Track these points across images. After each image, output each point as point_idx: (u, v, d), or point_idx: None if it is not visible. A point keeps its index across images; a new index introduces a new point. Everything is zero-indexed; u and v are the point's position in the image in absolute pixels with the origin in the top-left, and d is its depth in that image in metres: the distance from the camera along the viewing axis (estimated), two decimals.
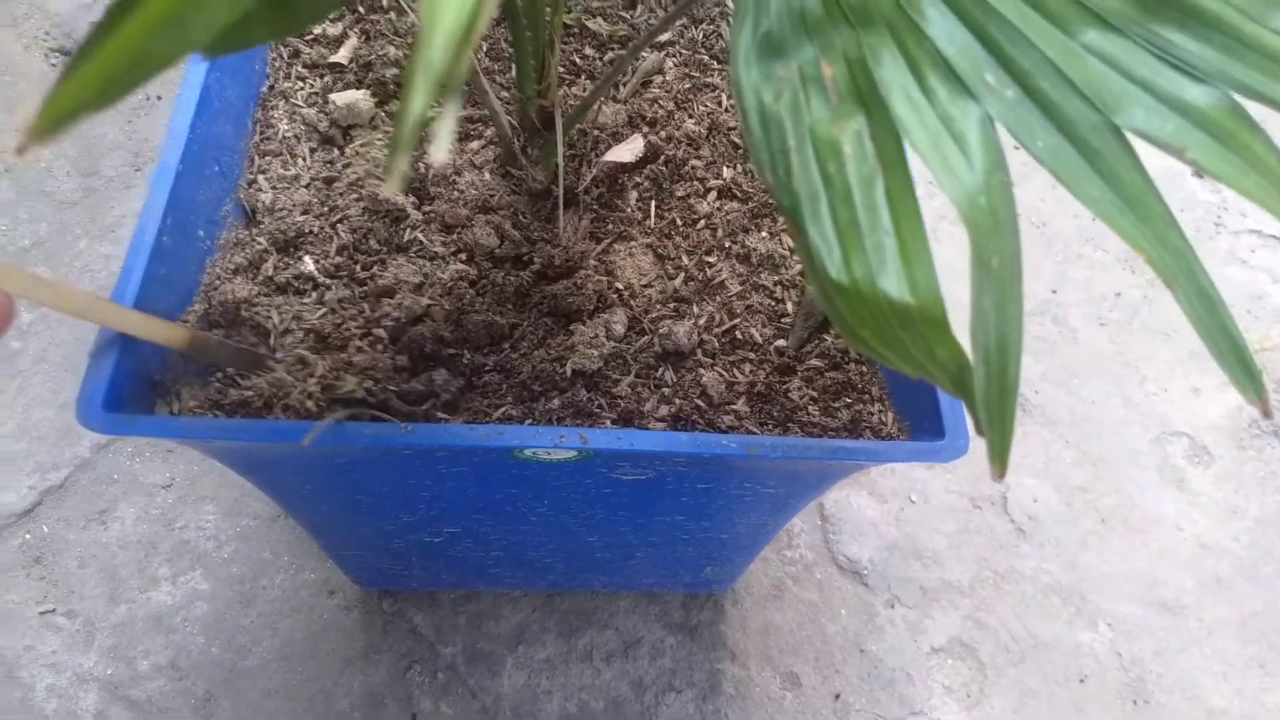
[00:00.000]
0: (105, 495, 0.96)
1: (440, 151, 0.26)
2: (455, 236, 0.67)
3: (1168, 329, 1.17)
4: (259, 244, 0.65)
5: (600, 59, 0.79)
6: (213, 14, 0.24)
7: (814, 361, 0.65)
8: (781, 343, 0.66)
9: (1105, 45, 0.35)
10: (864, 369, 0.65)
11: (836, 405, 0.63)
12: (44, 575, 0.92)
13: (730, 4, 0.82)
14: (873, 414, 0.63)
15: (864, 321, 0.36)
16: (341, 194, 0.67)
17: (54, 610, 0.91)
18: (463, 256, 0.66)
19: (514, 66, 0.66)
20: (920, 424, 0.60)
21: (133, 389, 0.56)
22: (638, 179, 0.73)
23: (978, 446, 1.12)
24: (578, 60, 0.78)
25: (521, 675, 0.88)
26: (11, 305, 0.45)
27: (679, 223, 0.71)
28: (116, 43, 0.24)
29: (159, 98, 1.21)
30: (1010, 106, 0.35)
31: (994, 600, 0.98)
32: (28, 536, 0.94)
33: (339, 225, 0.66)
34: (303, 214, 0.66)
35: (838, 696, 0.91)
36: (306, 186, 0.68)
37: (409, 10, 0.75)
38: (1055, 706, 0.93)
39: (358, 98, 0.70)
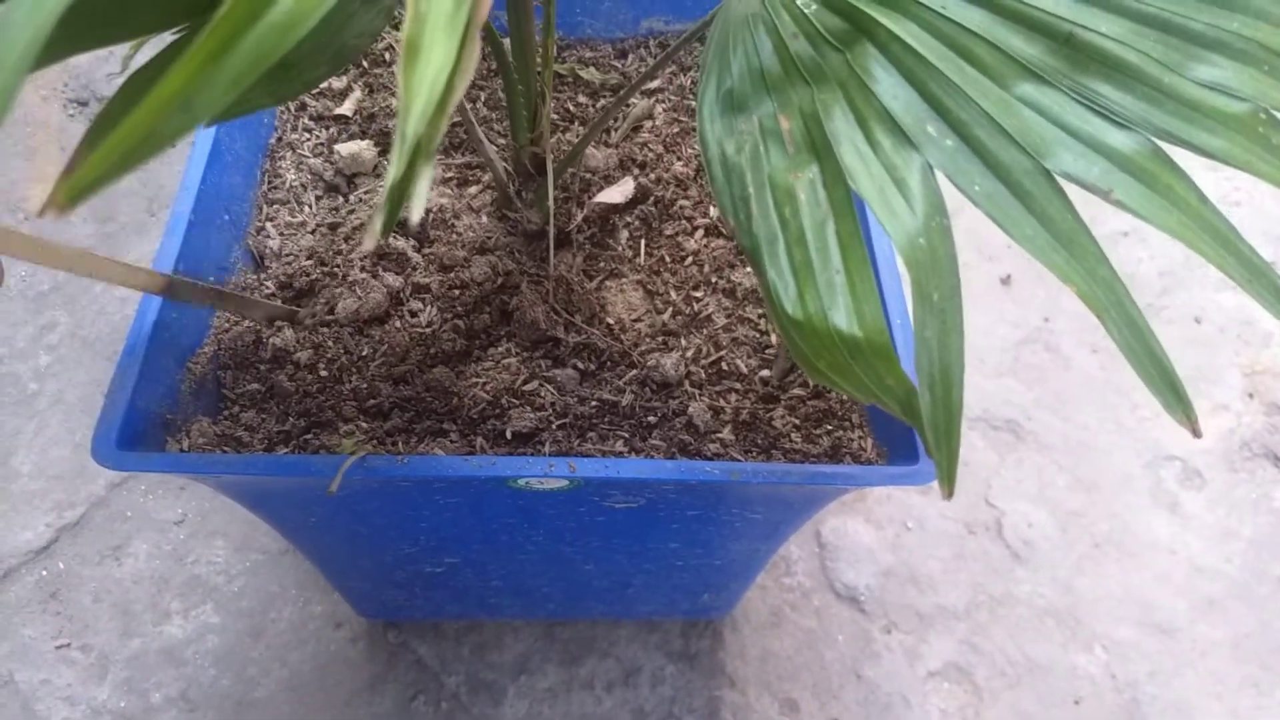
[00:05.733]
0: (119, 532, 0.99)
1: (416, 212, 0.30)
2: (453, 275, 0.70)
3: None
4: (266, 288, 0.68)
5: (593, 106, 0.82)
6: (215, 97, 0.27)
7: (797, 390, 0.68)
8: (766, 373, 0.69)
9: (1037, 96, 0.38)
10: (845, 397, 0.68)
11: (818, 432, 0.66)
12: (60, 610, 0.95)
13: None
14: (853, 440, 0.65)
15: (819, 353, 0.39)
16: (346, 238, 0.71)
17: (69, 644, 0.93)
18: (455, 292, 0.69)
19: (509, 116, 0.69)
20: (898, 449, 0.63)
21: (145, 427, 0.60)
22: (628, 219, 0.76)
23: (968, 473, 1.13)
24: (571, 107, 0.82)
25: (524, 704, 0.90)
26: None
27: (668, 259, 0.75)
28: (130, 123, 0.27)
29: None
30: (949, 155, 0.38)
31: (989, 624, 0.99)
32: (44, 573, 0.97)
33: (344, 271, 0.69)
34: (308, 259, 0.70)
35: None
36: (312, 233, 0.71)
37: None
38: None
39: (361, 148, 0.74)
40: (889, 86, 0.40)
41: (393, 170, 0.27)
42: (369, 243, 0.25)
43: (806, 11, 0.43)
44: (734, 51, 0.44)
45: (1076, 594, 1.01)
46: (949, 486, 0.37)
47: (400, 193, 0.30)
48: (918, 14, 0.40)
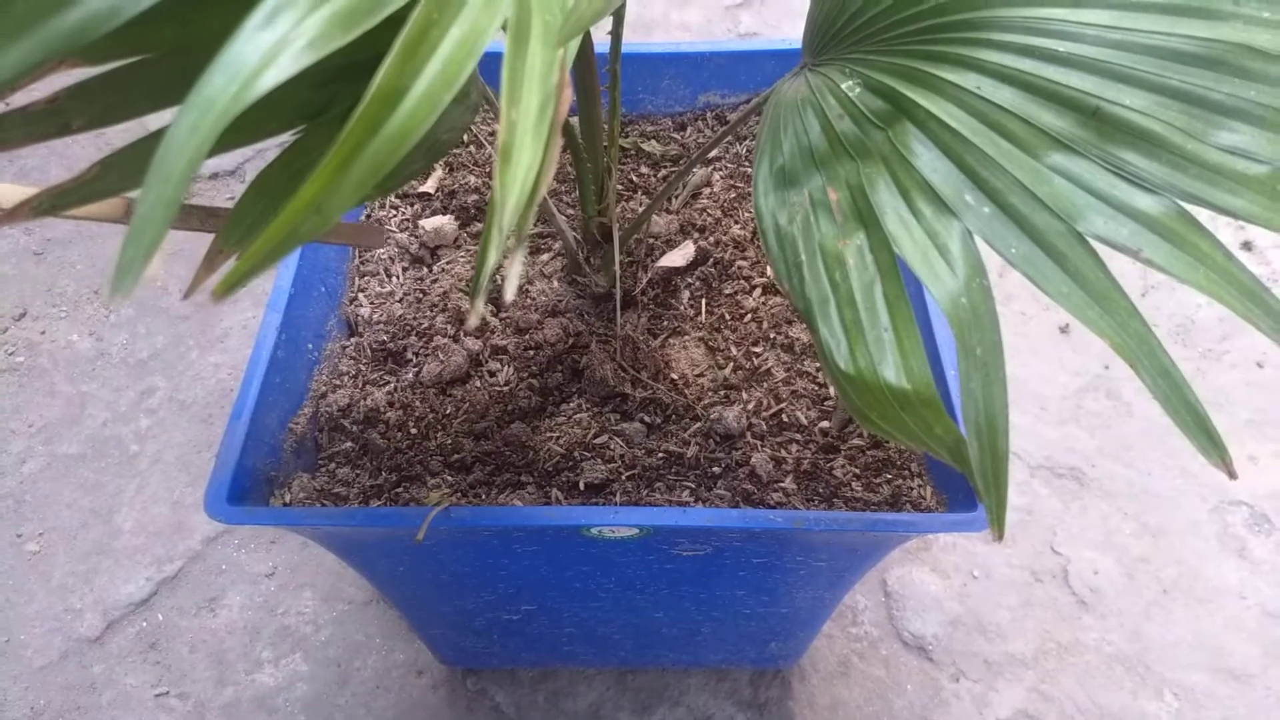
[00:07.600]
0: (214, 584, 1.05)
1: (510, 292, 0.34)
2: (527, 337, 0.75)
3: (1221, 399, 1.19)
4: (363, 353, 0.74)
5: (654, 176, 0.88)
6: (343, 200, 0.32)
7: (856, 440, 0.71)
8: (825, 424, 0.72)
9: (1067, 165, 0.42)
10: (903, 447, 0.71)
11: (878, 481, 0.68)
12: (159, 660, 1.01)
13: None
14: (913, 488, 0.68)
15: (870, 405, 0.42)
16: (432, 306, 0.76)
17: (168, 693, 0.99)
18: (530, 353, 0.74)
19: (578, 189, 0.74)
20: (957, 497, 0.65)
21: (251, 484, 0.65)
22: (689, 280, 0.81)
23: (1032, 520, 1.13)
24: (634, 178, 0.87)
25: None
26: None
27: (728, 317, 0.79)
28: (274, 227, 0.32)
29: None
30: (987, 221, 0.42)
31: (1058, 672, 0.99)
32: (144, 624, 1.03)
33: (429, 333, 0.75)
34: (397, 326, 0.75)
35: None
36: (400, 301, 0.77)
37: (486, 144, 0.85)
38: None
39: (444, 223, 0.79)
40: (928, 160, 0.44)
41: (491, 259, 0.31)
42: (473, 320, 0.30)
43: (850, 95, 0.47)
44: (785, 132, 0.49)
45: (1145, 640, 1.01)
46: (999, 529, 0.40)
47: (493, 273, 0.34)
48: (953, 94, 0.44)
